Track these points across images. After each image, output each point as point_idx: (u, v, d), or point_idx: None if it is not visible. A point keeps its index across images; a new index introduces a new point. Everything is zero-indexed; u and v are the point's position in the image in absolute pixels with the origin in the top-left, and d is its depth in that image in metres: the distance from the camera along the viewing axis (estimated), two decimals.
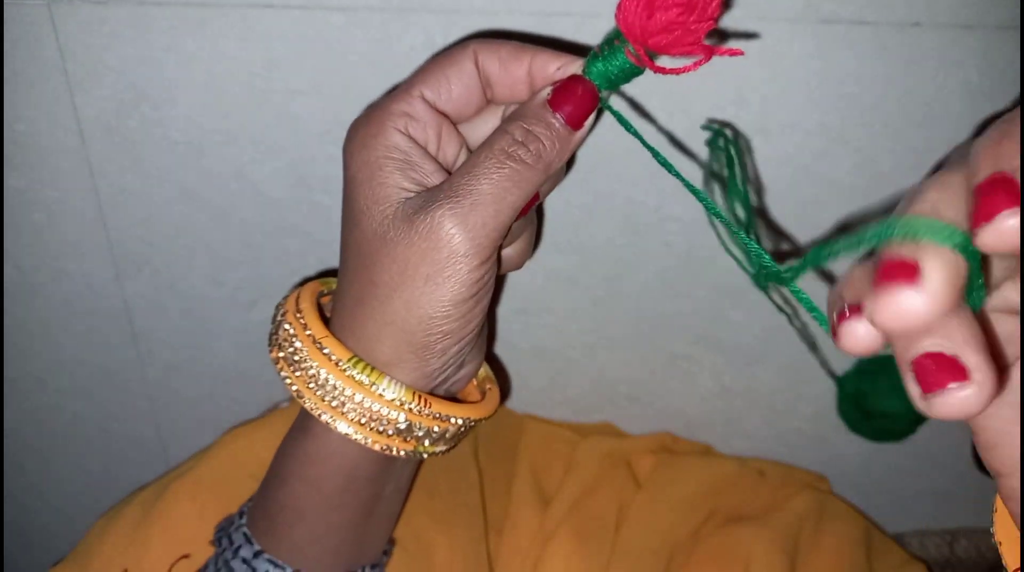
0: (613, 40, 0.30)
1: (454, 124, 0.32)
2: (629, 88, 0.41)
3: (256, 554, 0.35)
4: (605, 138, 0.42)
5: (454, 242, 0.28)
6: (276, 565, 0.35)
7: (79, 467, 0.58)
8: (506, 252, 0.34)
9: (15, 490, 0.60)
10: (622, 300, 0.49)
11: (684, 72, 0.29)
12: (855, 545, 0.47)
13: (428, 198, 0.29)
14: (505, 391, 0.52)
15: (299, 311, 0.32)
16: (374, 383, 0.30)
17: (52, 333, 0.52)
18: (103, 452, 0.57)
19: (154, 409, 0.55)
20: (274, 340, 0.33)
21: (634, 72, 0.30)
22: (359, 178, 0.29)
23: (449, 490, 0.45)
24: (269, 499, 0.36)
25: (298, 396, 0.31)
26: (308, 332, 0.31)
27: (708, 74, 0.40)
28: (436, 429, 0.32)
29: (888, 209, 0.45)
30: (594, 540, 0.46)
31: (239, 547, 0.36)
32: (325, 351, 0.31)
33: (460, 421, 0.32)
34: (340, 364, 0.30)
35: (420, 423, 0.31)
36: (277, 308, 0.34)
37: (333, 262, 0.48)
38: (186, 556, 0.40)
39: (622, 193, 0.44)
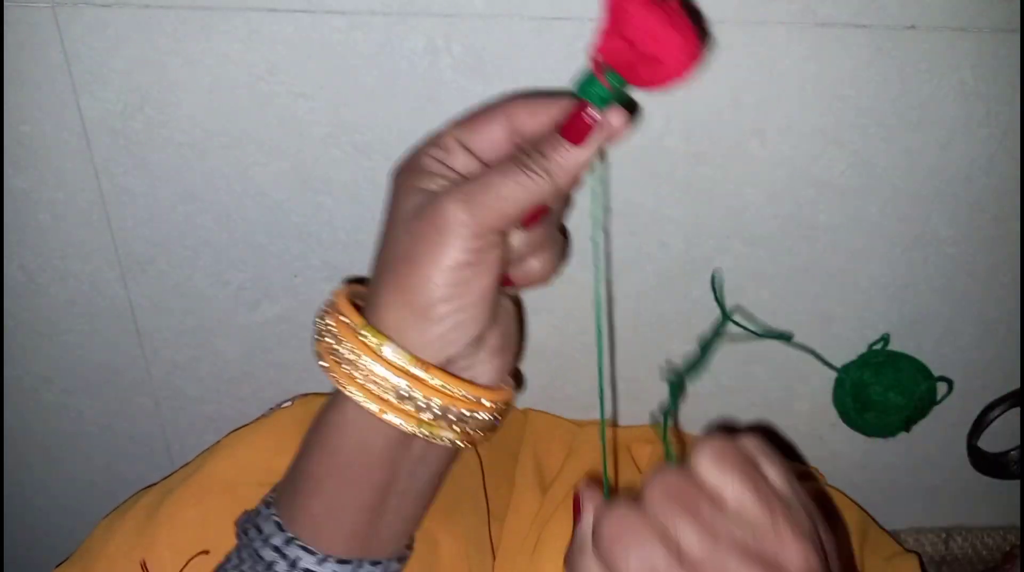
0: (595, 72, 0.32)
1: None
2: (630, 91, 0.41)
3: (288, 540, 0.36)
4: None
5: (458, 214, 0.32)
6: (307, 550, 0.36)
7: (83, 466, 0.58)
8: (531, 263, 0.37)
9: (19, 489, 0.60)
10: (621, 300, 0.49)
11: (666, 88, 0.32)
12: (851, 535, 0.47)
13: (446, 189, 0.34)
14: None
15: (332, 296, 0.37)
16: (380, 345, 0.33)
17: (57, 333, 0.52)
18: (107, 451, 0.57)
19: (158, 408, 0.55)
20: (318, 326, 0.37)
21: (621, 95, 0.33)
22: (396, 193, 0.35)
23: (451, 478, 0.45)
24: (295, 468, 0.38)
25: (326, 370, 0.35)
26: (339, 313, 0.35)
27: (705, 78, 0.41)
28: (436, 402, 0.34)
29: (886, 210, 0.45)
30: None
31: (269, 535, 0.37)
32: (343, 318, 0.35)
33: (460, 394, 0.34)
34: (354, 327, 0.34)
35: (420, 393, 0.33)
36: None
37: (336, 263, 0.48)
38: (205, 552, 0.41)
39: (620, 195, 0.45)
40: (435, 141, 0.36)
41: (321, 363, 0.35)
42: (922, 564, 0.47)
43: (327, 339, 0.35)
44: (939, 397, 0.50)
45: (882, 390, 0.48)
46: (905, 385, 0.48)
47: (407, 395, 0.33)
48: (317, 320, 0.37)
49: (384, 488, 0.36)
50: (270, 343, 0.52)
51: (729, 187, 0.45)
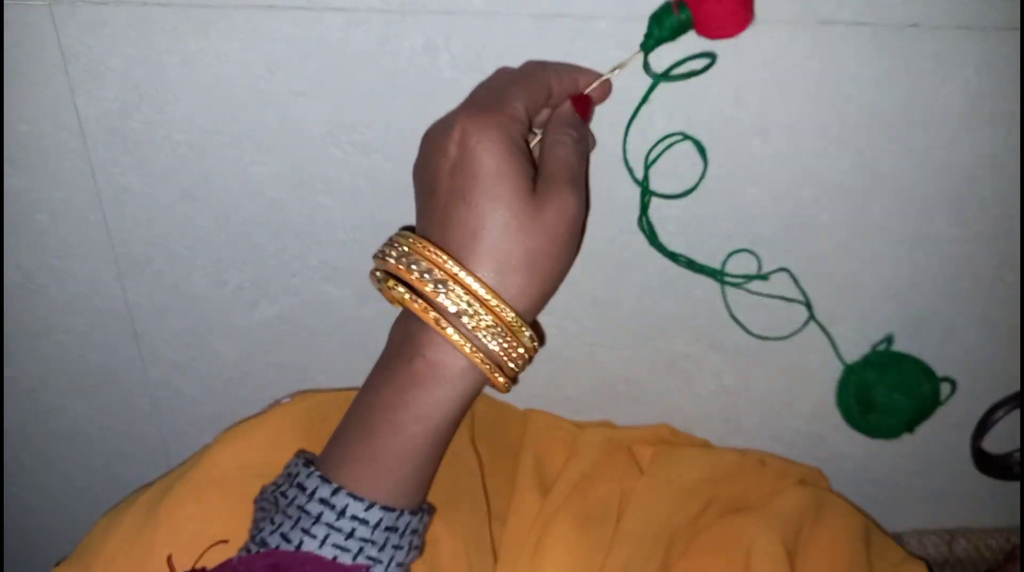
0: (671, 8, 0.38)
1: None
2: (628, 90, 0.41)
3: (335, 491, 0.36)
4: (604, 139, 0.42)
5: (579, 210, 0.37)
6: (356, 498, 0.36)
7: (81, 466, 0.58)
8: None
9: (17, 489, 0.60)
10: (622, 300, 0.49)
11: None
12: (855, 541, 0.47)
13: (548, 183, 0.36)
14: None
15: (456, 276, 0.36)
16: (527, 331, 0.36)
17: (54, 333, 0.52)
18: (105, 451, 0.57)
19: (156, 408, 0.55)
20: (405, 270, 0.37)
21: (681, 30, 0.38)
22: (504, 171, 0.35)
23: (449, 477, 0.45)
24: (376, 445, 0.37)
25: (441, 325, 0.35)
26: (479, 291, 0.35)
27: (707, 75, 0.40)
28: (510, 346, 0.36)
29: (889, 210, 0.45)
30: (595, 525, 0.46)
31: (314, 489, 0.37)
32: (496, 305, 0.36)
33: (528, 335, 0.37)
34: (509, 317, 0.36)
35: (526, 362, 0.37)
36: (410, 268, 0.37)
37: (335, 262, 0.48)
38: (224, 541, 0.41)
39: (621, 194, 0.44)
40: (514, 108, 0.37)
41: (430, 314, 0.35)
42: (930, 570, 0.47)
43: (428, 286, 0.35)
44: (943, 399, 0.50)
45: (886, 391, 0.48)
46: (909, 386, 0.48)
47: (497, 329, 0.35)
48: (414, 267, 0.36)
49: (446, 443, 0.38)
50: (268, 343, 0.52)
51: (732, 186, 0.44)
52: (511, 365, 0.37)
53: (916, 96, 0.42)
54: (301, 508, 0.37)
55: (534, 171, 0.37)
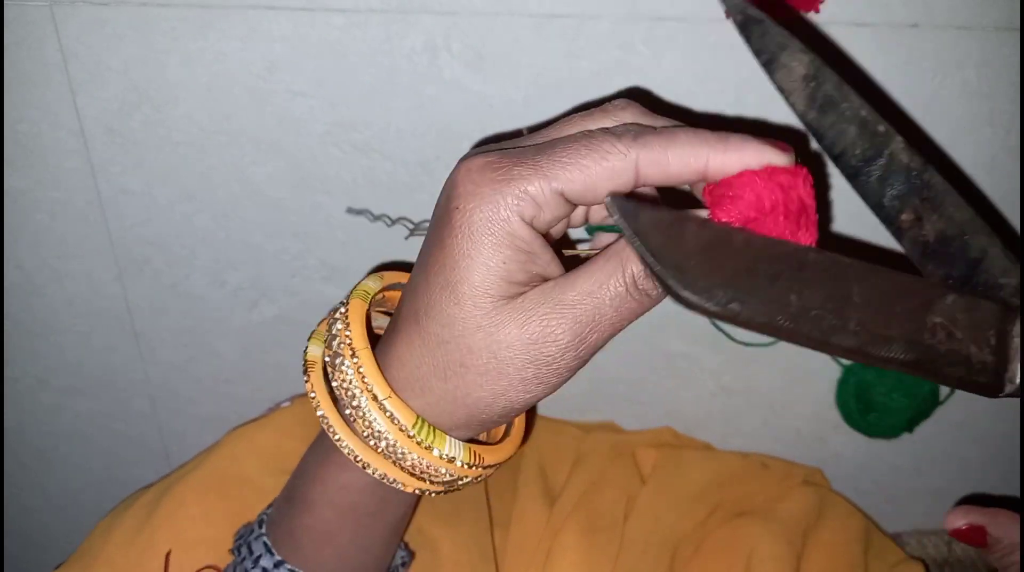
0: None
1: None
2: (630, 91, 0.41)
3: (277, 564, 0.35)
4: None
5: (567, 357, 0.28)
6: None
7: (81, 467, 0.58)
8: None
9: (17, 490, 0.60)
10: None
11: None
12: (854, 542, 0.47)
13: (544, 301, 0.28)
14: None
15: (355, 355, 0.31)
16: (432, 446, 0.30)
17: (54, 333, 0.52)
18: (104, 452, 0.57)
19: (155, 409, 0.55)
20: (319, 373, 0.32)
21: None
22: (473, 257, 0.28)
23: None
24: (294, 521, 0.35)
25: (335, 437, 0.31)
26: (369, 386, 0.30)
27: (708, 75, 0.40)
28: (477, 477, 0.32)
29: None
30: (602, 533, 0.46)
31: (259, 556, 0.36)
32: (387, 410, 0.30)
33: (437, 452, 0.31)
34: (404, 427, 0.30)
35: (465, 475, 0.32)
36: (331, 333, 0.32)
37: (334, 262, 0.48)
38: (212, 568, 0.41)
39: None
40: (532, 185, 0.27)
41: (327, 423, 0.31)
42: (928, 570, 0.47)
43: (357, 416, 0.30)
44: (942, 398, 0.50)
45: (885, 391, 0.48)
46: (908, 386, 0.48)
47: (448, 479, 0.31)
48: (339, 384, 0.31)
49: (400, 523, 0.36)
50: (268, 343, 0.52)
51: None
52: (411, 469, 0.31)
53: (916, 96, 0.42)
54: None
55: (549, 260, 0.29)
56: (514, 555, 0.45)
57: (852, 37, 0.40)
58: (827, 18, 0.39)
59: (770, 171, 0.28)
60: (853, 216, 0.45)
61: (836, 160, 0.29)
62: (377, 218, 0.44)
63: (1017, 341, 0.29)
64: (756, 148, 0.28)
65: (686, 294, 0.25)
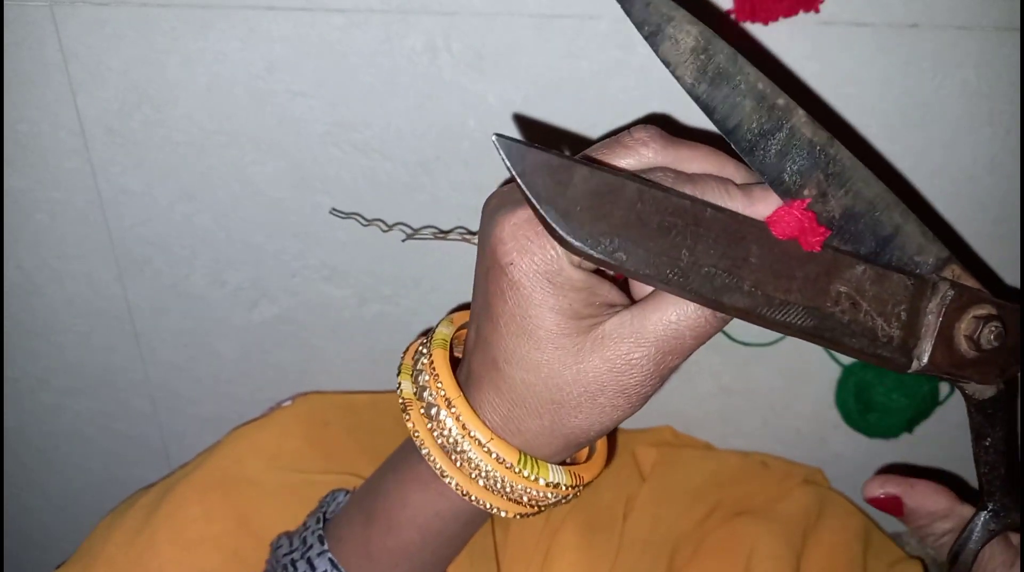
0: None
1: None
2: (630, 91, 0.41)
3: None
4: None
5: (652, 382, 0.30)
6: None
7: (81, 467, 0.58)
8: None
9: (17, 490, 0.60)
10: None
11: None
12: (854, 541, 0.47)
13: (624, 334, 0.29)
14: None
15: (451, 405, 0.32)
16: (538, 477, 0.32)
17: (54, 333, 0.52)
18: (105, 452, 0.57)
19: (156, 409, 0.55)
20: (418, 413, 0.33)
21: None
22: (542, 304, 0.29)
23: None
24: (373, 542, 0.35)
25: (440, 472, 0.32)
26: (470, 431, 0.31)
27: None
28: (573, 495, 0.33)
29: None
30: (602, 532, 0.46)
31: None
32: (491, 451, 0.31)
33: (541, 481, 0.32)
34: (509, 465, 0.31)
35: (567, 495, 0.33)
36: (419, 385, 0.33)
37: (334, 263, 0.48)
38: None
39: None
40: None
41: (433, 460, 0.32)
42: (926, 569, 0.47)
43: (462, 459, 0.32)
44: (942, 398, 0.50)
45: (885, 391, 0.48)
46: (908, 386, 0.48)
47: (552, 501, 0.33)
48: (439, 431, 0.32)
49: (468, 539, 0.37)
50: (268, 344, 0.52)
51: None
52: (517, 499, 0.32)
53: (916, 96, 0.42)
54: None
55: (609, 289, 0.30)
56: (514, 554, 0.45)
57: (852, 37, 0.40)
58: (827, 18, 0.39)
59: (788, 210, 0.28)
60: None
61: (729, 135, 0.28)
62: (369, 223, 0.44)
63: (931, 318, 0.28)
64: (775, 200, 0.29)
65: (569, 240, 0.25)
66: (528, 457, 0.32)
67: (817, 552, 0.46)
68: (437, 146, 0.43)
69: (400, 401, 0.34)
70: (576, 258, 0.28)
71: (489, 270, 0.30)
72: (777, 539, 0.45)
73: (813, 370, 0.50)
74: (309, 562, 0.36)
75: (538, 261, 0.28)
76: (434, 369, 0.33)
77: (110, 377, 0.54)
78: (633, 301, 0.31)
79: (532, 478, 0.31)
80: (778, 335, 0.49)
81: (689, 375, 0.52)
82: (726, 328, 0.48)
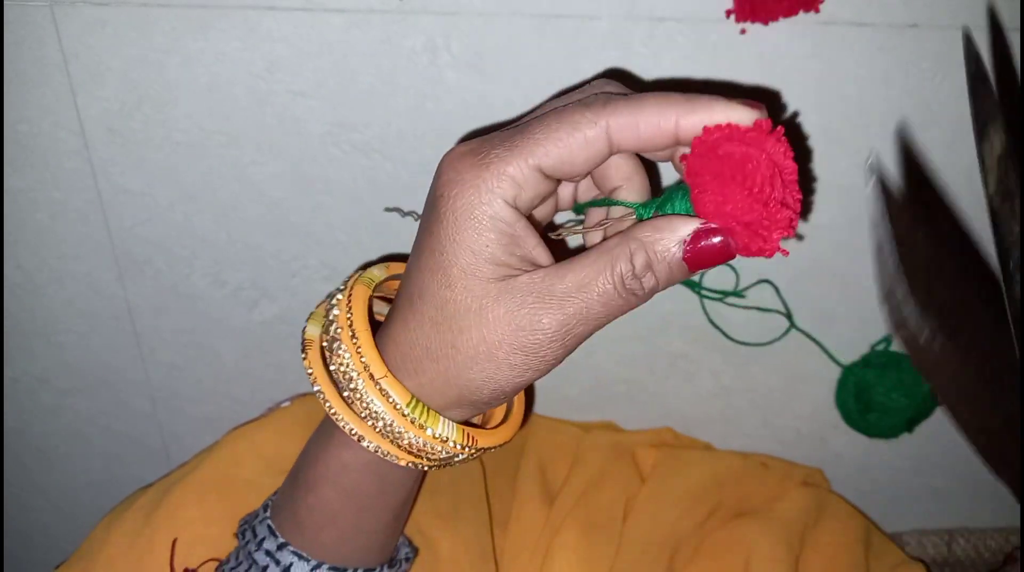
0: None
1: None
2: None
3: (280, 546, 0.36)
4: None
5: (553, 346, 0.29)
6: (300, 557, 0.36)
7: (81, 467, 0.58)
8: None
9: (17, 490, 0.60)
10: None
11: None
12: (855, 543, 0.47)
13: (533, 290, 0.29)
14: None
15: (355, 336, 0.31)
16: (427, 425, 0.31)
17: (54, 333, 0.52)
18: (105, 452, 0.57)
19: (156, 409, 0.55)
20: (317, 352, 0.33)
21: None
22: (459, 241, 0.29)
23: (451, 484, 0.45)
24: (298, 503, 0.36)
25: (332, 412, 0.32)
26: (366, 365, 0.31)
27: (707, 76, 0.40)
28: (471, 456, 0.33)
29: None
30: (601, 532, 0.46)
31: (263, 539, 0.36)
32: (383, 388, 0.31)
33: (430, 431, 0.32)
34: (398, 406, 0.31)
35: (459, 454, 0.32)
36: (328, 318, 0.33)
37: (334, 263, 0.48)
38: (214, 560, 0.41)
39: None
40: (511, 166, 0.28)
41: (327, 404, 0.32)
42: (928, 570, 0.47)
43: (354, 397, 0.31)
44: None
45: (885, 391, 0.48)
46: (908, 386, 0.48)
47: (444, 456, 0.32)
48: (336, 366, 0.32)
49: (400, 506, 0.37)
50: (268, 344, 0.52)
51: None
52: (407, 447, 0.31)
53: (916, 96, 0.42)
54: (251, 555, 0.36)
55: (535, 244, 0.30)
56: (513, 554, 0.46)
57: (852, 37, 0.40)
58: (827, 18, 0.39)
59: (740, 130, 0.27)
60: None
61: (998, 256, 0.27)
62: (407, 214, 0.44)
63: None
64: (724, 106, 0.27)
65: None
66: (420, 403, 0.31)
67: (816, 554, 0.46)
68: (437, 146, 0.43)
69: (300, 342, 0.33)
70: (509, 195, 0.28)
71: (426, 208, 0.30)
72: (776, 540, 0.45)
73: (813, 370, 0.50)
74: (252, 529, 0.37)
75: (467, 194, 0.28)
76: (350, 303, 0.32)
77: (110, 377, 0.54)
78: None
79: (419, 425, 0.31)
80: (778, 335, 0.49)
81: (689, 375, 0.52)
82: (726, 328, 0.48)
